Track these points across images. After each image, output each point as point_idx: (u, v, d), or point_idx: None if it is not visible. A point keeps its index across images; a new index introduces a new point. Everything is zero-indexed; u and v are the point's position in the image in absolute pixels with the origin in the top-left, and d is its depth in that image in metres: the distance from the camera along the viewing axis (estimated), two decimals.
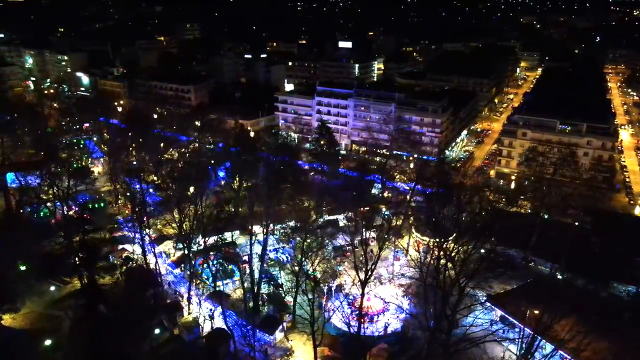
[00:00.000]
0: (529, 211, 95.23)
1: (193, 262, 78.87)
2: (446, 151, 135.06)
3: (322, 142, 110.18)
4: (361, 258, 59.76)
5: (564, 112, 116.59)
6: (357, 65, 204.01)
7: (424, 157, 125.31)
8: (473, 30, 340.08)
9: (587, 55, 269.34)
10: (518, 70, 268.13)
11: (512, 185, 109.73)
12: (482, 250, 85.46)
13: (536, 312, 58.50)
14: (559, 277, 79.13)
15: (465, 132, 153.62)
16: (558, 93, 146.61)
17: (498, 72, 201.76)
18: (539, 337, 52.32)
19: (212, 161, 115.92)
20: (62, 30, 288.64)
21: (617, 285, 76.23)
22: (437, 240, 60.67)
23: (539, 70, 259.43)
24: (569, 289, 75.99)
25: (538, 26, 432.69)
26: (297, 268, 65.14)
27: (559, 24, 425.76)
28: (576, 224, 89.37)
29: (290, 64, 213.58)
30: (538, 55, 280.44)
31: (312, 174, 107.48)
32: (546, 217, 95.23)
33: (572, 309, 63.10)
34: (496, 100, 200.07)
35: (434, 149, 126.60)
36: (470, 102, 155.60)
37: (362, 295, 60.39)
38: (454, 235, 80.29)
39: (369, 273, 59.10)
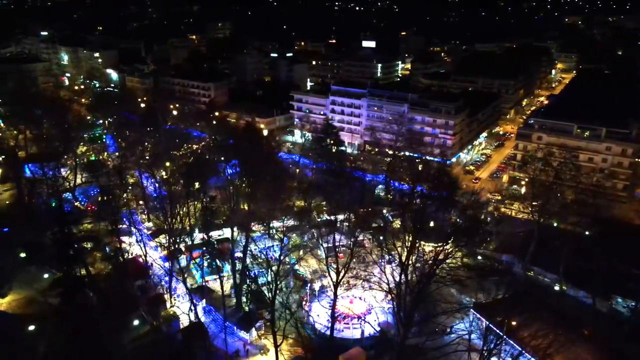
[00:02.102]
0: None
1: (184, 256, 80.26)
2: (461, 154, 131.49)
3: (328, 141, 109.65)
4: (333, 261, 58.79)
5: (589, 115, 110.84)
6: (379, 65, 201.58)
7: (437, 159, 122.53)
8: (511, 31, 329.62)
9: (629, 56, 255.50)
10: (554, 72, 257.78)
11: (523, 190, 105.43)
12: (480, 257, 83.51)
13: (513, 322, 56.11)
14: (556, 288, 75.48)
15: (484, 134, 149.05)
16: (588, 96, 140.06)
17: (528, 73, 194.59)
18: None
19: (222, 158, 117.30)
20: (100, 28, 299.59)
21: (620, 300, 71.82)
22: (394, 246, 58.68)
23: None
24: (564, 301, 72.65)
25: (582, 27, 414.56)
26: (275, 267, 64.56)
27: (604, 24, 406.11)
28: (587, 232, 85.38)
29: (313, 63, 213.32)
30: (576, 57, 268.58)
31: (307, 172, 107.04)
32: (555, 224, 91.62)
33: (558, 322, 60.37)
34: (524, 103, 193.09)
35: (448, 150, 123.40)
36: (492, 104, 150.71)
37: (335, 297, 59.44)
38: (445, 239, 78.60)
39: (341, 275, 58.05)
